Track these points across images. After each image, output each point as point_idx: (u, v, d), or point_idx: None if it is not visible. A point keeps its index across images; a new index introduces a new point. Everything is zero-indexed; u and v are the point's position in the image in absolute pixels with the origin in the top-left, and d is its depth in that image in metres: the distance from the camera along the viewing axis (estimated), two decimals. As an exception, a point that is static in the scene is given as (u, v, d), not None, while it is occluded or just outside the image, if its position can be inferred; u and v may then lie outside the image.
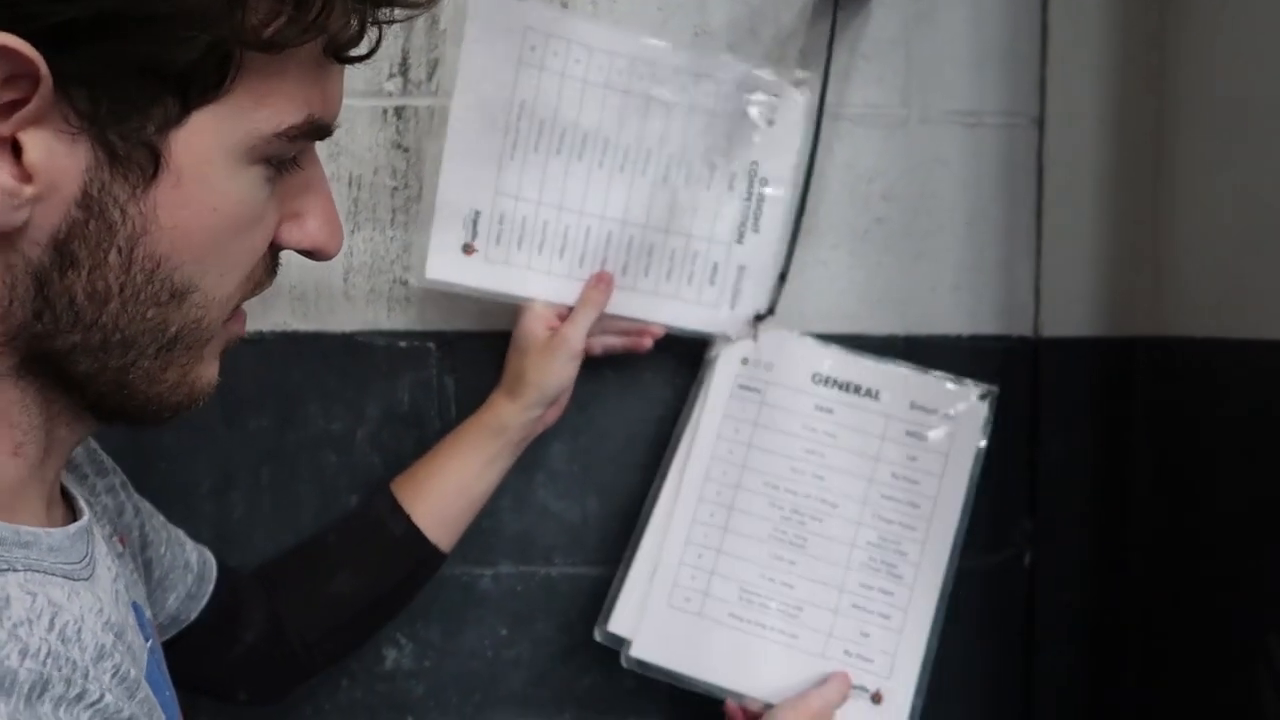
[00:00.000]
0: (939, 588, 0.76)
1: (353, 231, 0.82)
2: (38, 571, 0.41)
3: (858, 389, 0.79)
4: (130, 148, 0.38)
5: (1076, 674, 0.87)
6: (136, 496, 0.63)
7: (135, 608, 0.51)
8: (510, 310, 0.82)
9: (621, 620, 0.77)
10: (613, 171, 0.78)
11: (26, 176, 0.36)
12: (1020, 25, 0.85)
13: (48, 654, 0.37)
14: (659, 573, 0.78)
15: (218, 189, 0.40)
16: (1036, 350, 0.86)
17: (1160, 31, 0.83)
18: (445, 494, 0.75)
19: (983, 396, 0.79)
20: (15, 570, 0.40)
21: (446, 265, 0.76)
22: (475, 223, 0.76)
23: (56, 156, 0.36)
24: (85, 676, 0.39)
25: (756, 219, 0.80)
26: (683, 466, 0.80)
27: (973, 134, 0.86)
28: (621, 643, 0.78)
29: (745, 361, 0.80)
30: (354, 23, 0.41)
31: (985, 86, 0.85)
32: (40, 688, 0.36)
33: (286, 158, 0.43)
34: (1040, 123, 0.86)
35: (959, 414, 0.78)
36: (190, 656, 0.65)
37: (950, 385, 0.79)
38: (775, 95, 0.80)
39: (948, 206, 0.86)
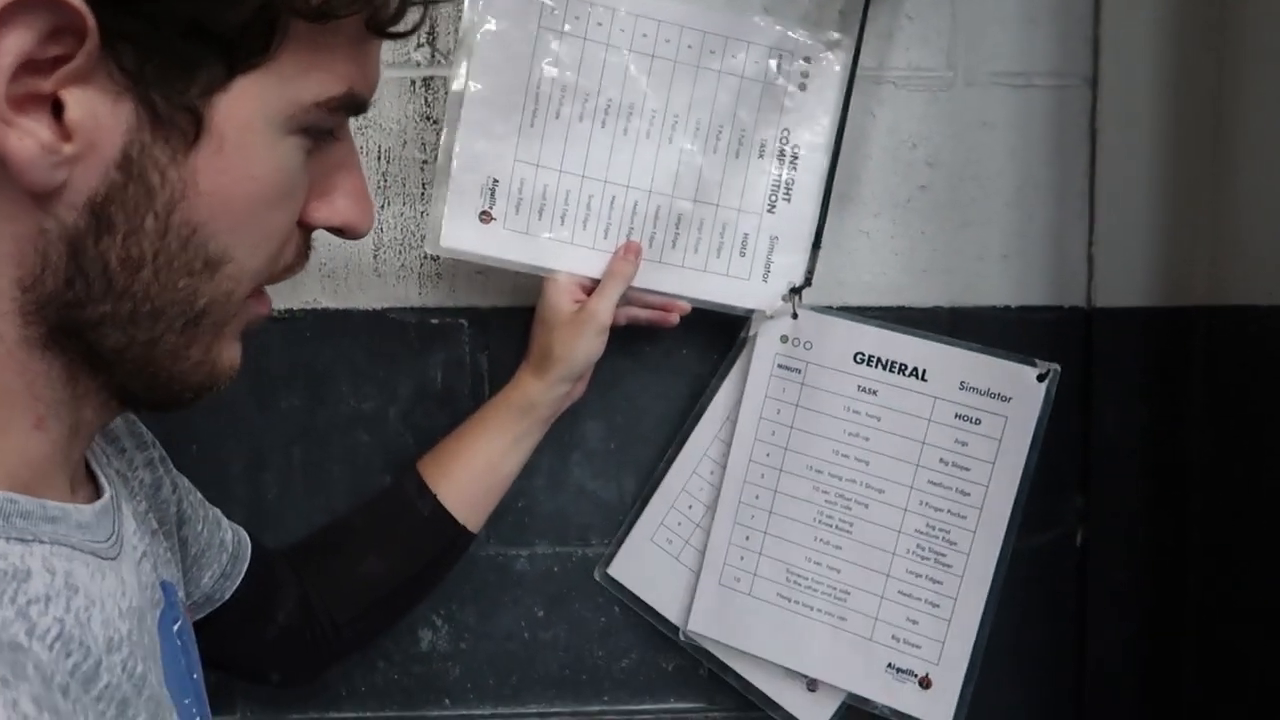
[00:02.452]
0: (989, 579, 0.73)
1: (383, 207, 0.80)
2: (65, 546, 0.40)
3: (903, 368, 0.75)
4: (173, 110, 0.37)
5: (1129, 658, 0.85)
6: (175, 472, 0.62)
7: (166, 586, 0.50)
8: (542, 285, 0.81)
9: (621, 567, 0.81)
10: (638, 139, 0.75)
11: (66, 135, 0.35)
12: (1071, -19, 0.81)
13: (57, 636, 0.36)
14: (709, 555, 0.77)
15: (258, 157, 0.40)
16: (1090, 321, 0.83)
17: (1221, -16, 0.79)
18: (473, 474, 0.73)
19: (1041, 377, 0.73)
20: (41, 543, 0.39)
21: (462, 234, 0.73)
22: (493, 191, 0.74)
23: (98, 116, 0.35)
24: (98, 664, 0.38)
25: (789, 188, 0.77)
26: (725, 446, 0.78)
27: (1021, 96, 0.82)
28: (617, 585, 0.82)
29: (784, 340, 0.77)
30: None
31: (1035, 46, 0.82)
32: (48, 669, 0.35)
33: (324, 130, 0.42)
34: (1094, 83, 0.82)
35: (1014, 396, 0.73)
36: (223, 637, 0.64)
37: (1004, 364, 0.74)
38: (808, 59, 0.76)
39: (995, 172, 0.82)
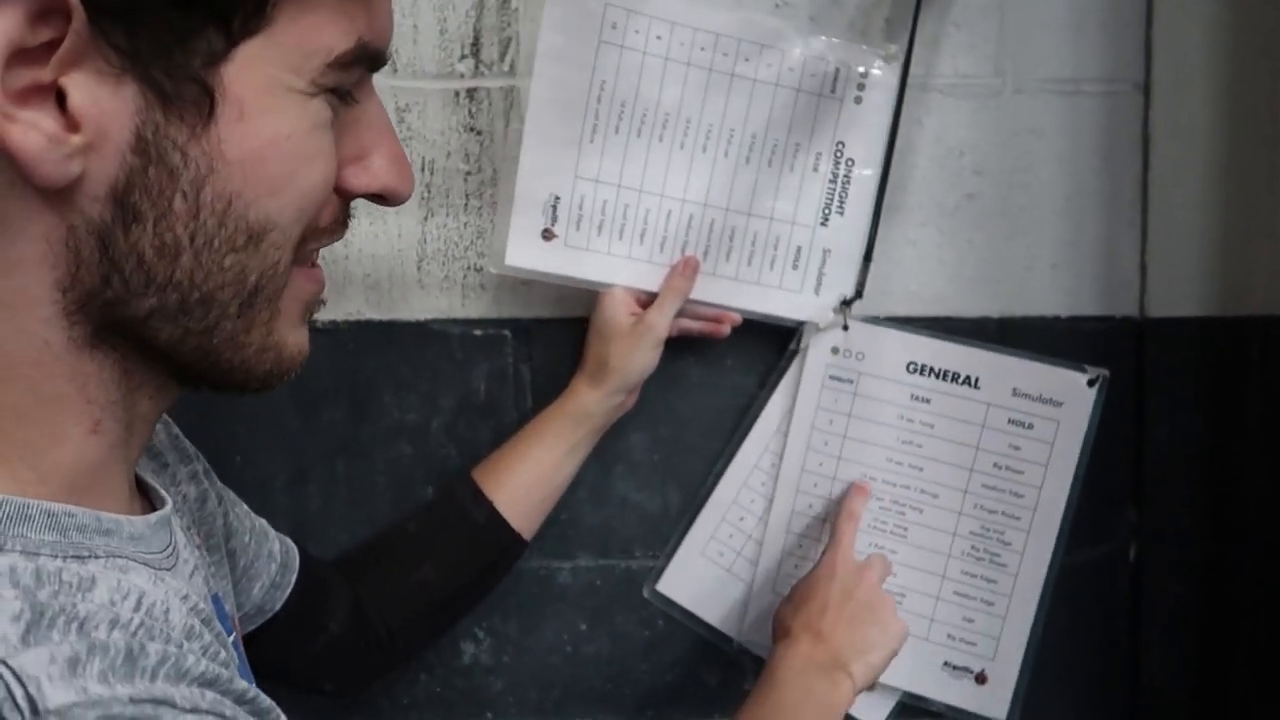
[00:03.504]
0: (1043, 575, 0.75)
1: (426, 218, 0.80)
2: (120, 558, 0.40)
3: (955, 377, 0.76)
4: (179, 85, 0.35)
5: (1183, 673, 0.83)
6: (220, 485, 0.61)
7: (215, 600, 0.50)
8: (585, 295, 0.80)
9: (670, 582, 0.81)
10: (694, 153, 0.75)
11: (74, 125, 0.34)
12: (1121, -14, 0.80)
13: (139, 625, 0.36)
14: (763, 563, 0.77)
15: (284, 117, 0.39)
16: (1142, 331, 0.81)
17: (1279, -13, 0.77)
18: (528, 481, 0.73)
19: (1091, 382, 0.75)
20: (97, 557, 0.38)
21: (526, 252, 0.74)
22: (554, 208, 0.74)
23: (102, 100, 0.34)
24: (180, 648, 0.37)
25: (842, 200, 0.77)
26: (777, 458, 0.78)
27: (1071, 103, 0.81)
28: (667, 601, 0.81)
29: (836, 351, 0.78)
30: None
31: (1084, 52, 0.80)
32: (134, 655, 0.34)
33: (344, 89, 0.41)
34: (1146, 89, 0.81)
35: (1065, 401, 0.75)
36: (274, 647, 0.65)
37: (1055, 370, 0.76)
38: (864, 71, 0.76)
39: (1045, 180, 0.81)
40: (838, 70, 0.76)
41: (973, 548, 0.75)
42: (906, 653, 0.73)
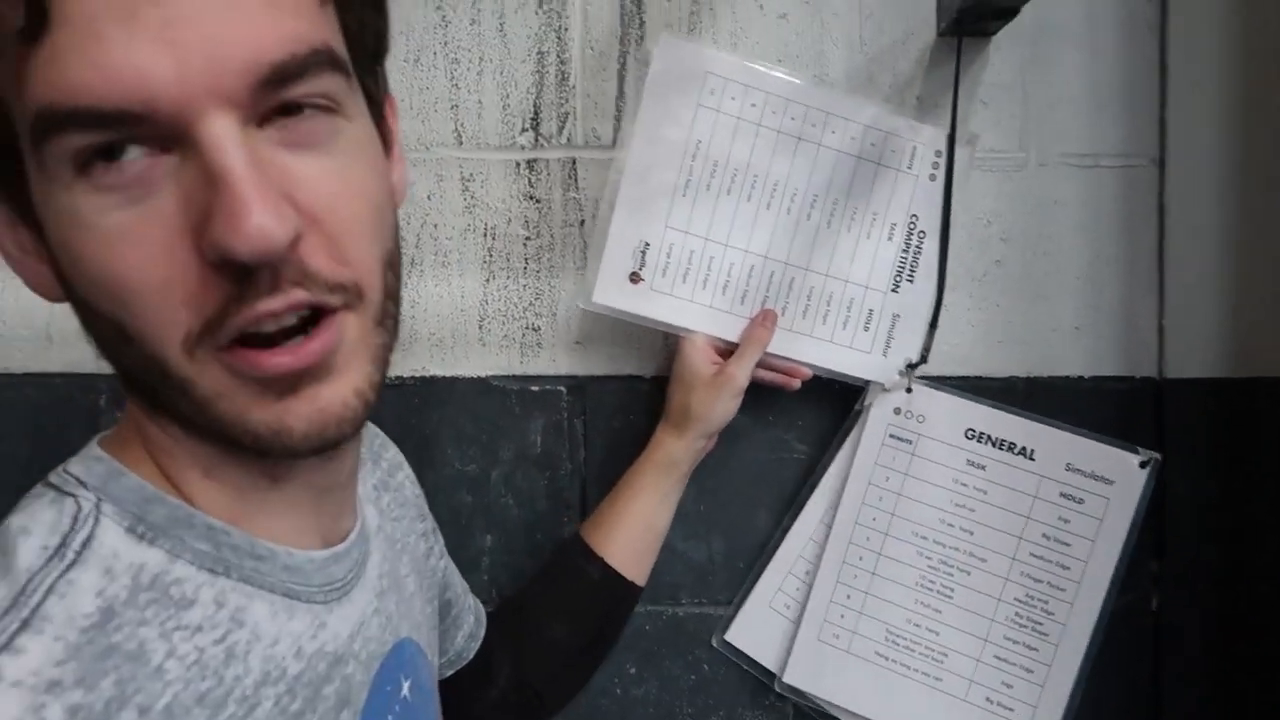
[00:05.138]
0: (1084, 649, 0.77)
1: (488, 280, 0.85)
2: (252, 585, 0.44)
3: (1012, 447, 0.80)
4: (13, 210, 0.41)
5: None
6: (442, 542, 0.68)
7: (404, 644, 0.54)
8: (637, 354, 0.85)
9: (738, 633, 0.84)
10: (779, 213, 0.80)
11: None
12: (1138, 66, 0.86)
13: (194, 661, 0.40)
14: (809, 609, 0.80)
15: (59, 218, 0.38)
16: (1161, 391, 0.86)
17: (1285, 70, 0.83)
18: (632, 533, 0.77)
19: (1144, 464, 0.78)
20: (228, 577, 0.43)
21: (613, 292, 0.79)
22: (644, 253, 0.79)
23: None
24: (229, 694, 0.41)
25: (912, 269, 0.82)
26: (832, 509, 0.82)
27: (1091, 176, 0.86)
28: (735, 651, 0.83)
29: (898, 412, 0.82)
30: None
31: (1103, 128, 0.86)
32: (176, 689, 0.39)
33: (87, 153, 0.36)
34: (1161, 163, 0.86)
35: (1117, 480, 0.78)
36: (456, 697, 0.70)
37: (1109, 449, 0.79)
38: (939, 151, 0.82)
39: (1067, 248, 0.86)
40: (914, 148, 0.82)
41: (1017, 614, 0.77)
42: (945, 713, 0.77)
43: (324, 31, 0.40)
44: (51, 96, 0.35)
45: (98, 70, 0.34)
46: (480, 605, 0.76)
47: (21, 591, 0.37)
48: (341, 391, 0.41)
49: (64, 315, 0.43)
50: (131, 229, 0.36)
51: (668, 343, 0.86)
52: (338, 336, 0.41)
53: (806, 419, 0.86)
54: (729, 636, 0.85)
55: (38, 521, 0.40)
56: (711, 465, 0.86)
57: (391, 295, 0.44)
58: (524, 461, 0.86)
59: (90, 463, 0.44)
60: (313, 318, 0.40)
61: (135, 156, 0.36)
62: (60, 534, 0.40)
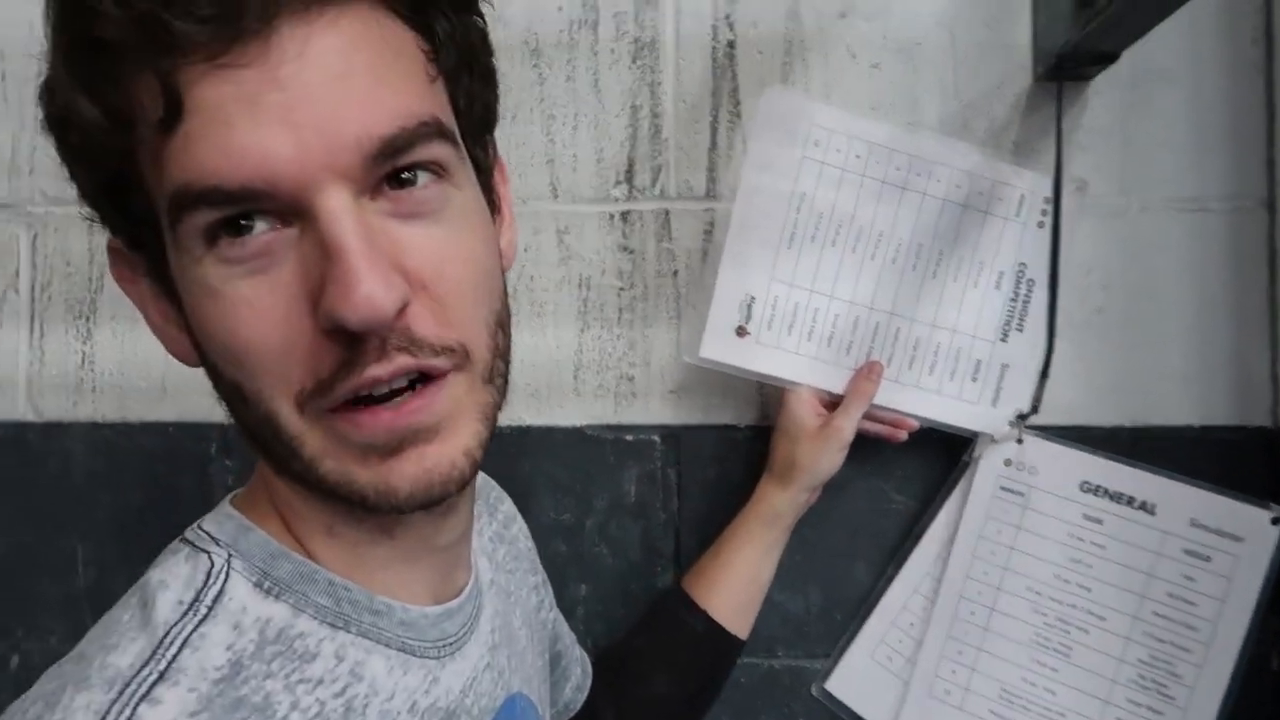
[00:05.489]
0: (1215, 715, 0.73)
1: (582, 330, 0.86)
2: (370, 639, 0.45)
3: (1130, 500, 0.77)
4: (165, 283, 0.44)
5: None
6: (552, 595, 0.69)
7: (516, 699, 0.55)
8: (730, 404, 0.85)
9: (838, 683, 0.83)
10: (884, 264, 0.80)
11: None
12: (1243, 108, 0.84)
13: (316, 714, 0.41)
14: (920, 664, 0.79)
15: (193, 287, 0.41)
16: (1275, 441, 0.83)
17: (1404, 111, 0.80)
18: (736, 585, 0.77)
19: (1276, 520, 0.75)
20: (348, 631, 0.45)
21: (719, 346, 0.79)
22: (750, 307, 0.79)
23: (144, 300, 0.46)
24: None
25: (1021, 318, 0.81)
26: (940, 561, 0.80)
27: (1197, 220, 0.84)
28: (835, 701, 0.82)
29: (1009, 463, 0.80)
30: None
31: (1208, 171, 0.84)
32: None
33: (214, 228, 0.39)
34: (1270, 205, 0.84)
35: (1246, 537, 0.75)
36: None
37: (1237, 505, 0.76)
38: (1048, 197, 0.81)
39: (1172, 294, 0.84)
40: (1023, 195, 0.80)
41: (1140, 676, 0.74)
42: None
43: (432, 105, 0.42)
44: (185, 178, 0.38)
45: (225, 153, 0.37)
46: (586, 657, 0.76)
47: (160, 644, 0.39)
48: (449, 452, 0.42)
49: (177, 368, 0.46)
50: (253, 297, 0.39)
51: (762, 392, 0.86)
52: (444, 398, 0.42)
53: (905, 469, 0.85)
54: (829, 686, 0.84)
55: (174, 576, 0.43)
56: (808, 515, 0.84)
57: (500, 354, 0.45)
58: (618, 511, 0.86)
59: (222, 520, 0.46)
60: (421, 378, 0.41)
61: (259, 230, 0.39)
62: (195, 589, 0.42)
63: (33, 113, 0.86)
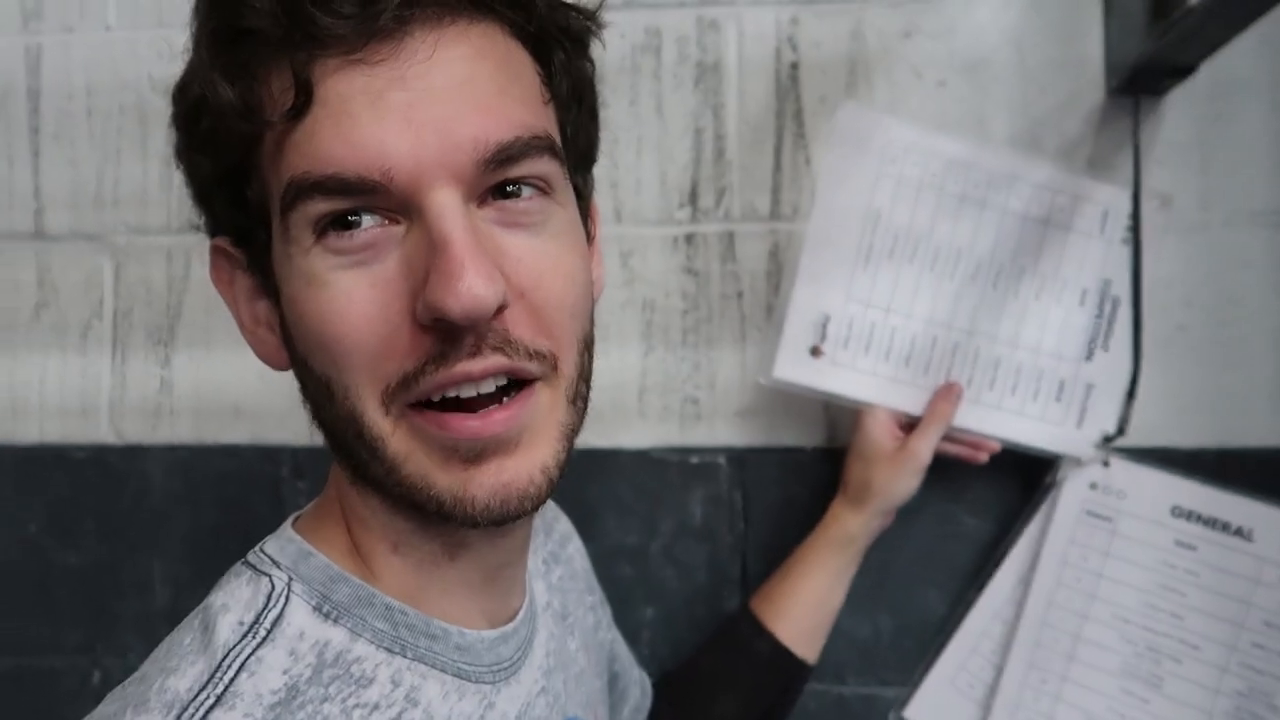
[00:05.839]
0: None
1: (646, 353, 0.86)
2: (426, 664, 0.45)
3: (1225, 526, 0.74)
4: (264, 276, 0.46)
5: None
6: (609, 614, 0.69)
7: None
8: (795, 424, 0.84)
9: (917, 711, 0.81)
10: (964, 282, 0.78)
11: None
12: (1329, 118, 0.81)
13: None
14: (1002, 691, 0.76)
15: (294, 278, 0.42)
16: (1372, 464, 0.79)
17: None
18: (805, 609, 0.76)
19: None
20: (404, 656, 0.45)
21: (793, 366, 0.78)
22: (825, 326, 0.78)
23: (238, 296, 0.49)
24: None
25: (1106, 337, 0.78)
26: (1021, 586, 0.78)
27: (1281, 234, 0.81)
28: None
29: (1094, 487, 0.78)
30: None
31: (1293, 183, 0.81)
32: None
33: (326, 221, 0.41)
34: (1360, 218, 0.80)
35: None
36: None
37: None
38: (1132, 215, 0.78)
39: (1257, 310, 0.81)
40: (1106, 211, 0.78)
41: (1236, 708, 0.71)
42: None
43: (545, 123, 0.44)
44: (305, 166, 0.40)
45: (347, 144, 0.39)
46: (646, 678, 0.75)
47: (218, 666, 0.40)
48: (528, 467, 0.42)
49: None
50: (355, 288, 0.40)
51: (829, 413, 0.85)
52: (530, 409, 0.42)
53: (976, 491, 0.83)
54: (908, 714, 0.81)
55: (235, 599, 0.43)
56: (878, 540, 0.83)
57: (584, 376, 0.46)
58: (684, 533, 0.85)
59: (284, 543, 0.47)
60: (509, 389, 0.42)
61: (368, 225, 0.40)
62: (255, 611, 0.43)
63: (115, 146, 0.91)
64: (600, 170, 0.87)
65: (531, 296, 0.42)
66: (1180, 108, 0.82)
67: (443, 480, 0.42)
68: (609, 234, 0.87)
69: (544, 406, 0.43)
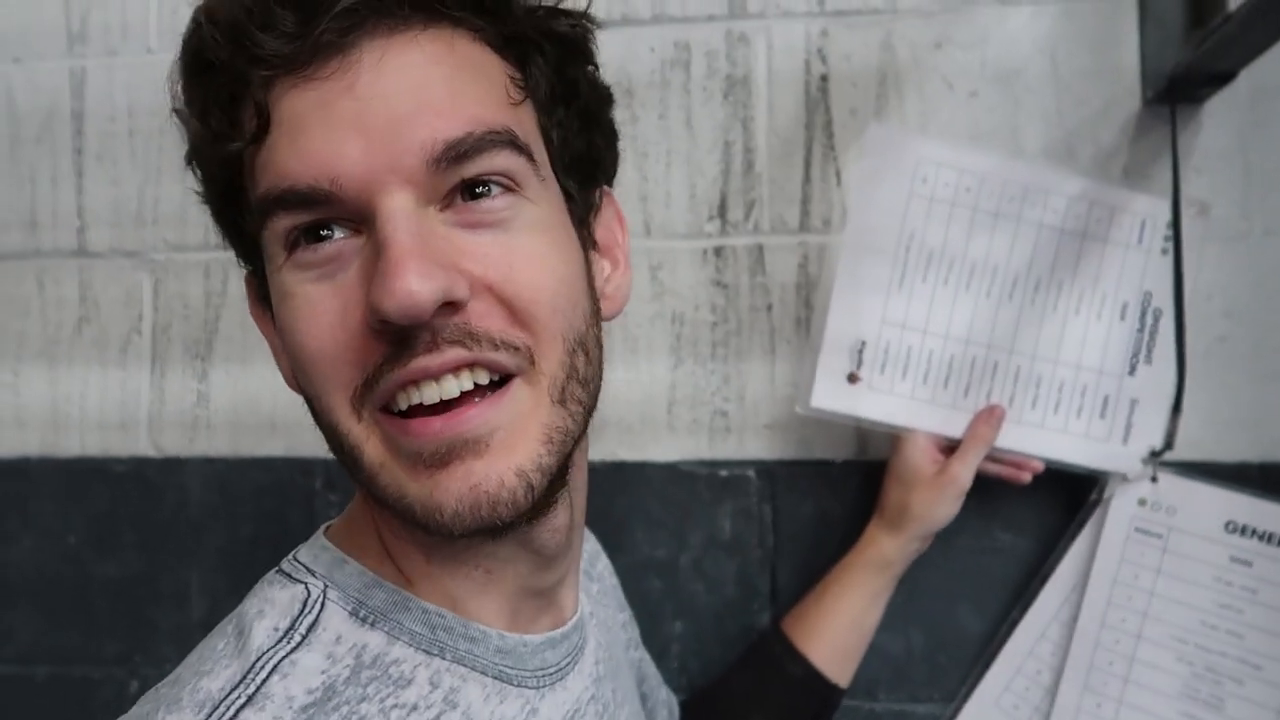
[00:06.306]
0: None
1: (675, 366, 0.86)
2: (465, 666, 0.46)
3: None
4: (264, 286, 0.47)
5: None
6: (638, 632, 0.69)
7: None
8: (825, 439, 0.84)
9: None
10: (1001, 300, 0.76)
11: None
12: (1374, 125, 0.79)
13: None
14: (1055, 716, 0.74)
15: (277, 291, 0.44)
16: None
17: None
18: (838, 632, 0.75)
19: None
20: (443, 658, 0.45)
21: (831, 394, 0.77)
22: (861, 352, 0.77)
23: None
24: None
25: (1149, 350, 0.76)
26: (1069, 606, 0.77)
27: (1326, 243, 0.79)
28: None
29: (1143, 503, 0.76)
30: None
31: (1338, 192, 0.79)
32: None
33: (288, 236, 0.42)
34: None
35: None
36: None
37: None
38: (1170, 224, 0.76)
39: (1302, 322, 0.79)
40: (1144, 221, 0.76)
41: None
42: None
43: (508, 119, 0.43)
44: (267, 184, 0.41)
45: (299, 156, 0.40)
46: (674, 698, 0.75)
47: (250, 669, 0.40)
48: (499, 469, 0.41)
49: (284, 405, 0.48)
50: (319, 299, 0.41)
51: (859, 427, 0.84)
52: (505, 408, 0.41)
53: (1011, 506, 0.81)
54: None
55: (271, 605, 0.44)
56: (909, 555, 0.82)
57: (577, 378, 0.44)
58: (713, 547, 0.85)
59: (317, 551, 0.47)
60: (487, 390, 0.41)
61: (338, 237, 0.41)
62: (290, 616, 0.43)
63: (156, 165, 0.93)
64: (630, 183, 0.87)
65: (502, 289, 0.41)
66: (1219, 115, 0.81)
67: (412, 488, 0.41)
68: (638, 247, 0.87)
69: (523, 405, 0.42)
